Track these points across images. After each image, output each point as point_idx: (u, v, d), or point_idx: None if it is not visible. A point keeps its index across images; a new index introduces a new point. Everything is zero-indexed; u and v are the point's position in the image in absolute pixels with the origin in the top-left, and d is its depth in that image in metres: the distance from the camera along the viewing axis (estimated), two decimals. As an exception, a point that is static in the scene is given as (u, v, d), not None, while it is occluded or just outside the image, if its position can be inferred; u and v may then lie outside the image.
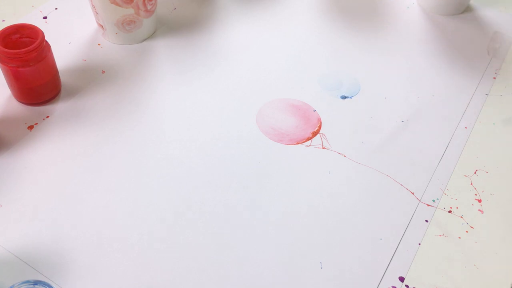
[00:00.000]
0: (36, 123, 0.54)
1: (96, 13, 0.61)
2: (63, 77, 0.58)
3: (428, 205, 0.49)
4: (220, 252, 0.45)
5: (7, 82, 0.55)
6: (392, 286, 0.43)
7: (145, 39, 0.64)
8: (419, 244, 0.46)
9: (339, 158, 0.52)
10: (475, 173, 0.52)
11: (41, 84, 0.54)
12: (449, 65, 0.62)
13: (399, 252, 0.45)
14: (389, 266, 0.45)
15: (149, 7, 0.61)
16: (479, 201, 0.50)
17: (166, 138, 0.53)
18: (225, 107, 0.56)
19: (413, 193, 0.50)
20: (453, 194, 0.50)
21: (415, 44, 0.62)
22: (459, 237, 0.47)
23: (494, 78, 0.61)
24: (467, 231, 0.47)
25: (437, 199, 0.49)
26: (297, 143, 0.53)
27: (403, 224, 0.47)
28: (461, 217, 0.48)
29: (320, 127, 0.53)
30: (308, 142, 0.53)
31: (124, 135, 0.53)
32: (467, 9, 0.70)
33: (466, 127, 0.55)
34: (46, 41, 0.54)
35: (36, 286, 0.41)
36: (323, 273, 0.44)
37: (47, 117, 0.55)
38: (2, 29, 0.52)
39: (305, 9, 0.69)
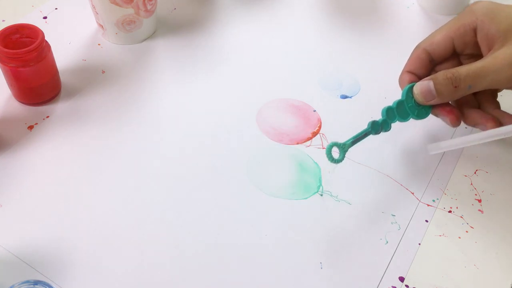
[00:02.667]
0: (36, 123, 0.54)
1: (96, 13, 0.61)
2: (63, 77, 0.58)
3: (428, 205, 0.49)
4: (220, 251, 0.45)
5: (7, 82, 0.55)
6: (392, 286, 0.43)
7: (145, 39, 0.64)
8: (419, 244, 0.46)
9: (339, 158, 0.52)
10: (475, 173, 0.52)
11: (41, 84, 0.54)
12: (449, 65, 0.62)
13: (399, 252, 0.45)
14: (389, 266, 0.45)
15: (149, 7, 0.61)
16: (479, 201, 0.50)
17: (166, 137, 0.53)
18: (225, 107, 0.56)
19: (413, 193, 0.50)
20: (453, 194, 0.50)
21: (415, 44, 0.62)
22: (459, 237, 0.47)
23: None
24: (467, 231, 0.47)
25: (437, 199, 0.49)
26: (297, 143, 0.53)
27: (403, 224, 0.47)
28: (461, 217, 0.48)
29: (320, 127, 0.53)
30: (308, 142, 0.53)
31: (124, 135, 0.53)
32: (467, 9, 0.70)
33: (466, 127, 0.55)
34: (46, 41, 0.54)
35: (36, 286, 0.41)
36: (323, 273, 0.44)
37: (47, 117, 0.55)
38: (2, 29, 0.52)
39: (305, 9, 0.69)
